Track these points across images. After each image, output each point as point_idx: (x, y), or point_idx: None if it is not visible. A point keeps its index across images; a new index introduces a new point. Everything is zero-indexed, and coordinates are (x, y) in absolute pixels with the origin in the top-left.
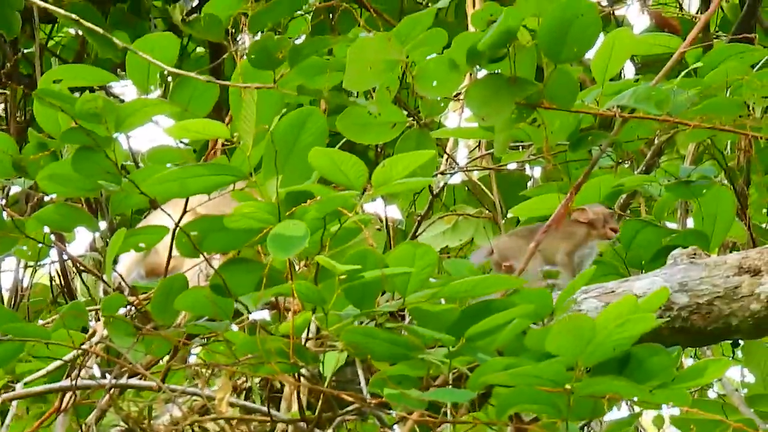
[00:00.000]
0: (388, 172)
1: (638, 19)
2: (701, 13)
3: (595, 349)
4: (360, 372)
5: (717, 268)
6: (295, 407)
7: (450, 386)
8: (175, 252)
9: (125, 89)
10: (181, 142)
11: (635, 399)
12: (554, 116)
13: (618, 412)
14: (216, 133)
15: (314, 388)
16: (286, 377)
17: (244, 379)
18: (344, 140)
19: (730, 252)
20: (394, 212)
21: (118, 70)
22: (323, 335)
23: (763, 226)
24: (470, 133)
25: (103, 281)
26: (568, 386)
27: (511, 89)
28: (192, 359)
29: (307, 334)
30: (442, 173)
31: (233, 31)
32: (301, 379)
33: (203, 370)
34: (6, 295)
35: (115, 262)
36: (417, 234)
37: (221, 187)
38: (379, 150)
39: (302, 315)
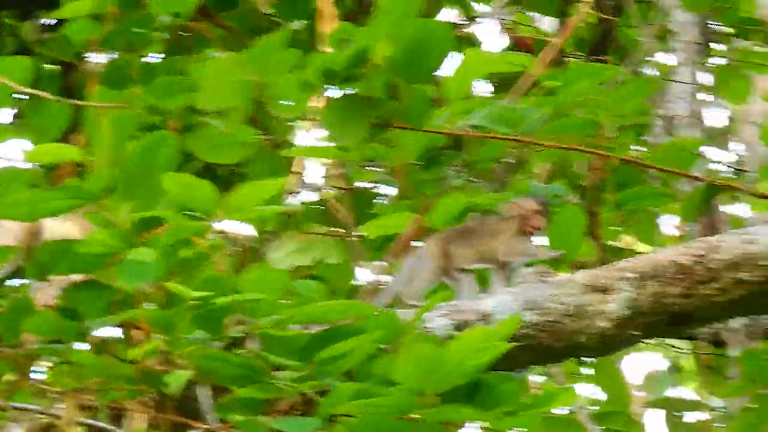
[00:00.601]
0: (240, 200)
1: (497, 39)
2: (557, 32)
3: (445, 377)
4: (204, 396)
5: (566, 286)
6: (140, 425)
7: (299, 413)
8: None
9: None
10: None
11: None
12: (407, 135)
13: None
14: (70, 155)
15: (160, 416)
16: (133, 403)
17: (92, 397)
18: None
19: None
20: (247, 229)
21: None
22: (172, 358)
23: (613, 244)
24: (324, 153)
25: None
26: (415, 414)
27: (366, 109)
28: (38, 376)
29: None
30: (295, 192)
31: (84, 51)
32: (149, 403)
33: (49, 389)
34: None
35: None
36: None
37: (72, 210)
38: (231, 170)
39: (152, 343)
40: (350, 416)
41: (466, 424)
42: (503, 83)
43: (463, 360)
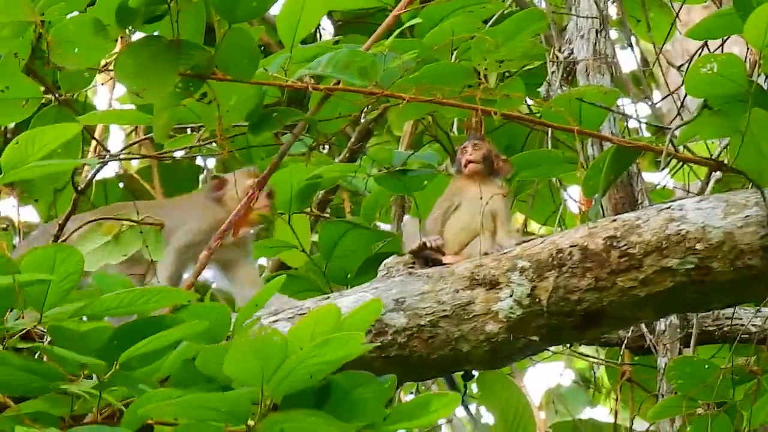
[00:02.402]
0: (22, 152)
1: None
2: None
3: (287, 376)
4: None
5: (443, 280)
6: None
7: (100, 425)
8: None
9: None
10: None
11: None
12: (230, 90)
13: None
14: None
15: None
16: None
17: None
18: None
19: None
20: (30, 214)
21: None
22: None
23: None
24: (123, 118)
25: None
26: (251, 422)
27: (174, 56)
28: None
29: None
30: (90, 163)
31: None
32: None
33: None
34: None
35: None
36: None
37: None
38: (8, 136)
39: None
40: (171, 424)
41: None
42: (353, 22)
43: (307, 356)
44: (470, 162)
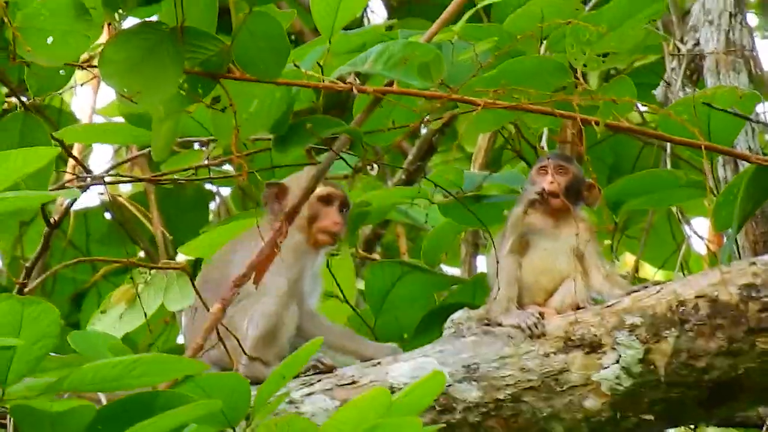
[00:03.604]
0: None
1: None
2: None
3: None
4: None
5: (528, 341)
6: None
7: None
8: None
9: None
10: None
11: None
12: (250, 92)
13: None
14: None
15: None
16: None
17: None
18: None
19: None
20: None
21: None
22: None
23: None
24: (110, 134)
25: None
26: None
27: (177, 48)
28: None
29: None
30: (67, 186)
31: None
32: None
33: None
34: None
35: None
36: None
37: None
38: None
39: None
40: None
41: None
42: (411, 2)
43: None
44: (551, 194)
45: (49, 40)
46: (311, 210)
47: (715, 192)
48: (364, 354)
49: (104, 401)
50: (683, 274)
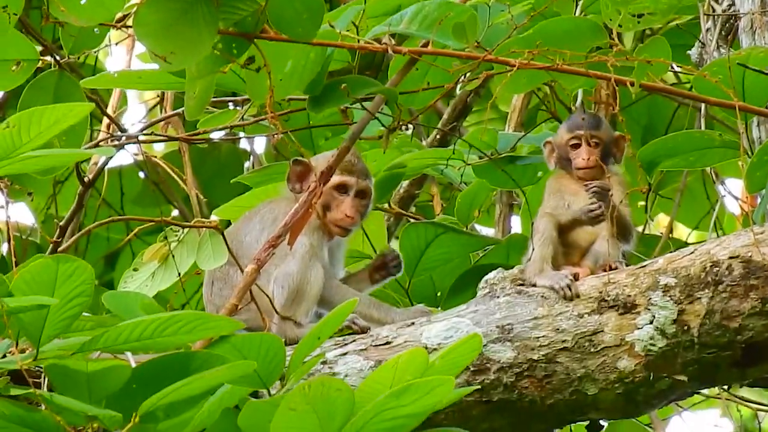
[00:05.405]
0: (15, 139)
1: None
2: None
3: None
4: None
5: (562, 301)
6: None
7: None
8: None
9: None
10: None
11: None
12: (284, 53)
13: None
14: None
15: None
16: None
17: None
18: None
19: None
20: (22, 214)
21: None
22: None
23: (641, 229)
24: (144, 81)
25: None
26: None
27: (211, 8)
28: None
29: None
30: (101, 145)
31: None
32: None
33: None
34: None
35: None
36: None
37: None
38: None
39: None
40: None
41: None
42: None
43: (380, 409)
44: (585, 168)
45: (83, 0)
46: (325, 198)
47: (750, 153)
48: (392, 322)
49: (133, 364)
50: (717, 234)
